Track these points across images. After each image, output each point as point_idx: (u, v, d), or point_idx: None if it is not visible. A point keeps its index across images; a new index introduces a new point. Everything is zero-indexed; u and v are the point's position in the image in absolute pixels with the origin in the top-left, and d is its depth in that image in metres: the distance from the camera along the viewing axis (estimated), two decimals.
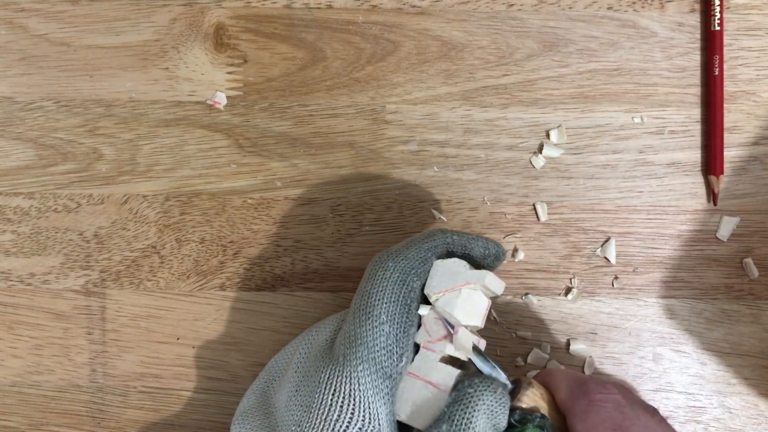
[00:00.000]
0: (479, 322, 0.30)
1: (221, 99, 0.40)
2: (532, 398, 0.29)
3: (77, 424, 0.39)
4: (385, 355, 0.29)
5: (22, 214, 0.40)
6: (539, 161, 0.39)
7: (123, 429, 0.39)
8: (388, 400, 0.29)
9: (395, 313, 0.29)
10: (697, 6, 0.40)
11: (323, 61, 0.40)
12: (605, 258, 0.39)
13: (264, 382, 0.35)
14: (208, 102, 0.40)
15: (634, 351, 0.39)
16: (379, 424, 0.28)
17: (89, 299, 0.40)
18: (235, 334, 0.39)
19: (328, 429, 0.28)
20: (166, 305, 0.40)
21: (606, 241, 0.39)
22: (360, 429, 0.28)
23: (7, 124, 0.40)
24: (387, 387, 0.28)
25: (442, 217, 0.39)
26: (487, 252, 0.32)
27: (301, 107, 0.40)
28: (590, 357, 0.39)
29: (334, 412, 0.28)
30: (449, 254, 0.32)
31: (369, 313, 0.29)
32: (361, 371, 0.28)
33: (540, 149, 0.40)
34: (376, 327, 0.29)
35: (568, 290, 0.39)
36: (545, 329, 0.39)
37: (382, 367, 0.28)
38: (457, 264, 0.31)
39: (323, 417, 0.28)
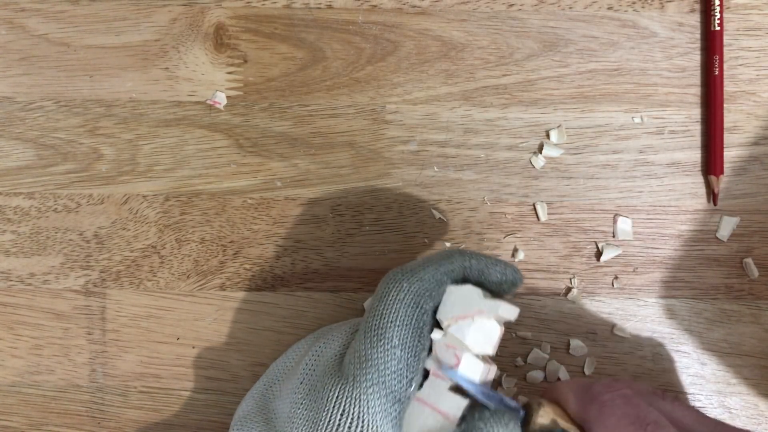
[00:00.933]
0: (491, 350, 0.30)
1: (221, 99, 0.40)
2: (546, 417, 0.29)
3: (77, 424, 0.39)
4: (395, 378, 0.28)
5: (22, 214, 0.40)
6: (539, 161, 0.39)
7: (123, 429, 0.39)
8: (396, 423, 0.28)
9: (407, 337, 0.29)
10: (697, 6, 0.40)
11: (323, 61, 0.40)
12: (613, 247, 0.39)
13: (263, 385, 0.35)
14: (208, 102, 0.40)
15: (634, 351, 0.39)
16: None
17: (89, 299, 0.40)
18: (235, 334, 0.39)
19: None
20: (166, 305, 0.40)
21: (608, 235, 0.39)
22: None
23: (7, 124, 0.40)
24: (395, 411, 0.28)
25: (443, 217, 0.39)
26: (504, 278, 0.31)
27: (301, 107, 0.40)
28: (590, 357, 0.39)
29: (344, 425, 0.28)
30: (464, 278, 0.31)
31: (381, 335, 0.29)
32: (371, 394, 0.28)
33: (540, 149, 0.40)
34: (387, 350, 0.28)
35: (568, 290, 0.39)
36: (545, 329, 0.39)
37: (392, 391, 0.28)
38: (471, 291, 0.30)
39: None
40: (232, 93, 0.40)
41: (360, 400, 0.28)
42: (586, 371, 0.39)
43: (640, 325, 0.39)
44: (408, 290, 0.29)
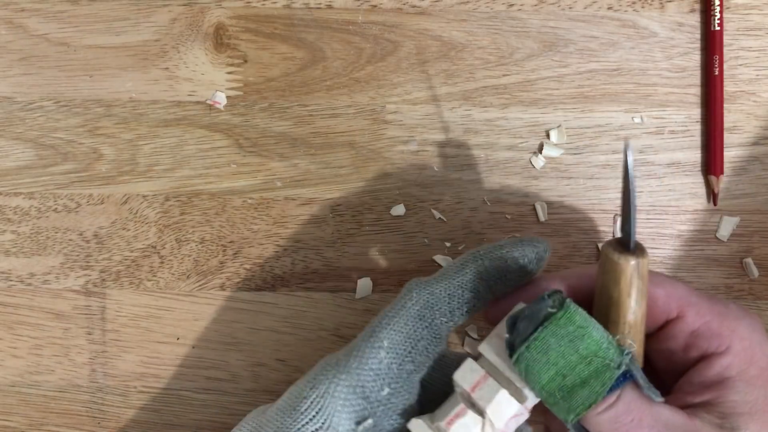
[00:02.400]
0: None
1: (221, 99, 0.40)
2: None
3: (77, 424, 0.39)
4: (371, 376, 0.29)
5: (22, 214, 0.40)
6: (539, 161, 0.39)
7: (123, 429, 0.39)
8: (353, 418, 0.29)
9: (398, 343, 0.29)
10: (697, 6, 0.40)
11: (323, 61, 0.40)
12: None
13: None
14: (208, 102, 0.40)
15: None
16: None
17: (89, 299, 0.40)
18: (235, 334, 0.39)
19: (291, 417, 0.29)
20: (166, 305, 0.40)
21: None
22: (315, 431, 0.28)
23: (7, 124, 0.40)
24: (359, 406, 0.29)
25: (442, 217, 0.39)
26: (527, 263, 0.30)
27: (301, 107, 0.40)
28: None
29: (304, 403, 0.29)
30: (486, 283, 0.30)
31: (375, 333, 0.29)
32: (342, 379, 0.29)
33: (540, 149, 0.40)
34: (374, 348, 0.29)
35: None
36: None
37: (363, 387, 0.29)
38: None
39: (293, 405, 0.29)
40: (232, 93, 0.40)
41: (331, 381, 0.29)
42: None
43: None
44: (416, 300, 0.30)
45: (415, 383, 0.31)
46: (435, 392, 0.31)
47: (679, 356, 0.29)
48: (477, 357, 0.29)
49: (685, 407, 0.27)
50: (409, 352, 0.29)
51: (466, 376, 0.28)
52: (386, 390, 0.29)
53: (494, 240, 0.39)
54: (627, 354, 0.25)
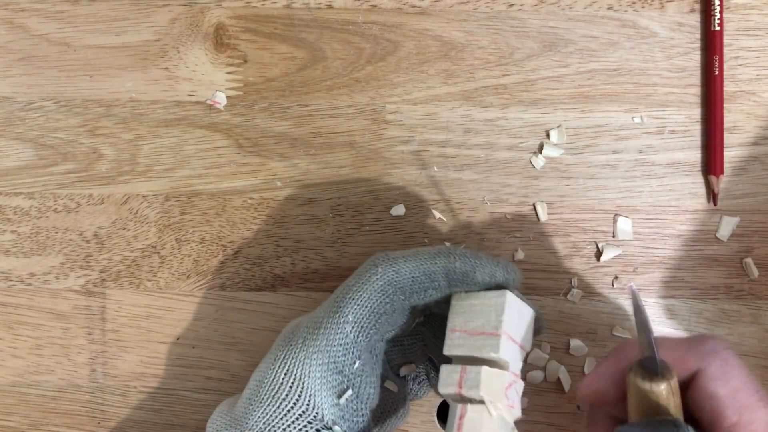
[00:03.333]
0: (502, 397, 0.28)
1: (221, 99, 0.40)
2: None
3: (77, 424, 0.39)
4: (341, 351, 0.30)
5: (22, 214, 0.40)
6: (539, 161, 0.39)
7: (123, 429, 0.39)
8: (334, 393, 0.30)
9: (363, 317, 0.30)
10: (697, 6, 0.40)
11: (323, 61, 0.40)
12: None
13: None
14: (208, 102, 0.40)
15: None
16: (319, 413, 0.29)
17: (89, 299, 0.40)
18: (235, 334, 0.39)
19: (273, 405, 0.29)
20: (166, 305, 0.40)
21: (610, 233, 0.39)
22: (302, 414, 0.29)
23: (7, 124, 0.40)
24: (336, 381, 0.30)
25: (442, 217, 0.39)
26: (491, 281, 0.31)
27: (301, 107, 0.40)
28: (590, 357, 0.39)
29: (283, 391, 0.29)
30: (449, 281, 0.31)
31: (339, 308, 0.30)
32: (315, 359, 0.29)
33: (540, 149, 0.40)
34: (340, 324, 0.30)
35: (568, 290, 0.39)
36: (545, 329, 0.39)
37: (335, 362, 0.30)
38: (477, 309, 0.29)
39: (272, 394, 0.30)
40: (232, 93, 0.40)
41: (304, 363, 0.29)
42: (586, 371, 0.39)
43: None
44: (381, 276, 0.30)
45: (382, 349, 0.32)
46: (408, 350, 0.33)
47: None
48: (450, 361, 0.30)
49: None
50: (374, 325, 0.30)
51: (448, 380, 0.29)
52: (357, 363, 0.30)
53: (494, 240, 0.39)
54: None
